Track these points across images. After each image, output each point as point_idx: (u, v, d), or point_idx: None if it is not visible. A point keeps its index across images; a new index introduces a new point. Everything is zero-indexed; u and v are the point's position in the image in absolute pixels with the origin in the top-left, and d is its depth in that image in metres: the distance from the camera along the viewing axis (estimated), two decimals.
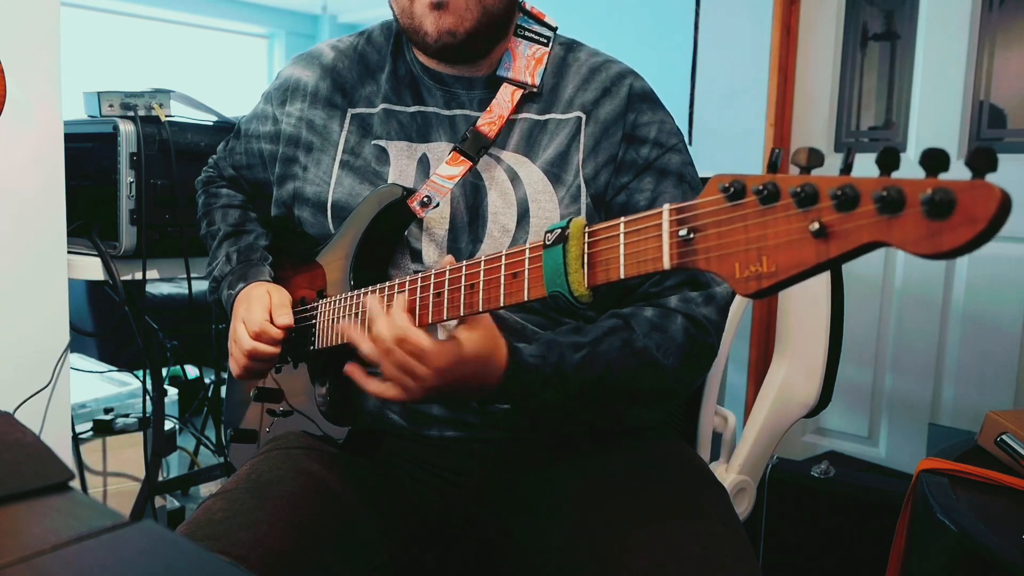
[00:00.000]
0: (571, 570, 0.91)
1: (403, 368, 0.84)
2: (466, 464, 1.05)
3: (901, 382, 2.66)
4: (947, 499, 1.28)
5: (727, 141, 2.84)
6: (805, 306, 1.41)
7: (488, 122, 1.02)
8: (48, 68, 1.48)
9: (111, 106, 1.66)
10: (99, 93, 1.66)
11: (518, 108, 1.04)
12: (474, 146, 1.02)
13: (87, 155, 1.70)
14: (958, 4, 2.47)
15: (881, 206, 0.50)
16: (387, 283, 0.93)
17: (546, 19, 1.10)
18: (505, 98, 1.04)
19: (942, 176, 0.50)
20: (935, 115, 2.54)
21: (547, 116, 1.05)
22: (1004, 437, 1.42)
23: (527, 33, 1.07)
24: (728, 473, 1.43)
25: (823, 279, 1.39)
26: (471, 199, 1.03)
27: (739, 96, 2.83)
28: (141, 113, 1.66)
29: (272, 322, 1.06)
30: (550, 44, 1.08)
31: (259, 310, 1.07)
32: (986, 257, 2.46)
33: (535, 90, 1.05)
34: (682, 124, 2.95)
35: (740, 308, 1.44)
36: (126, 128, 1.63)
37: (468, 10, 0.98)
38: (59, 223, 1.53)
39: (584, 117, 1.04)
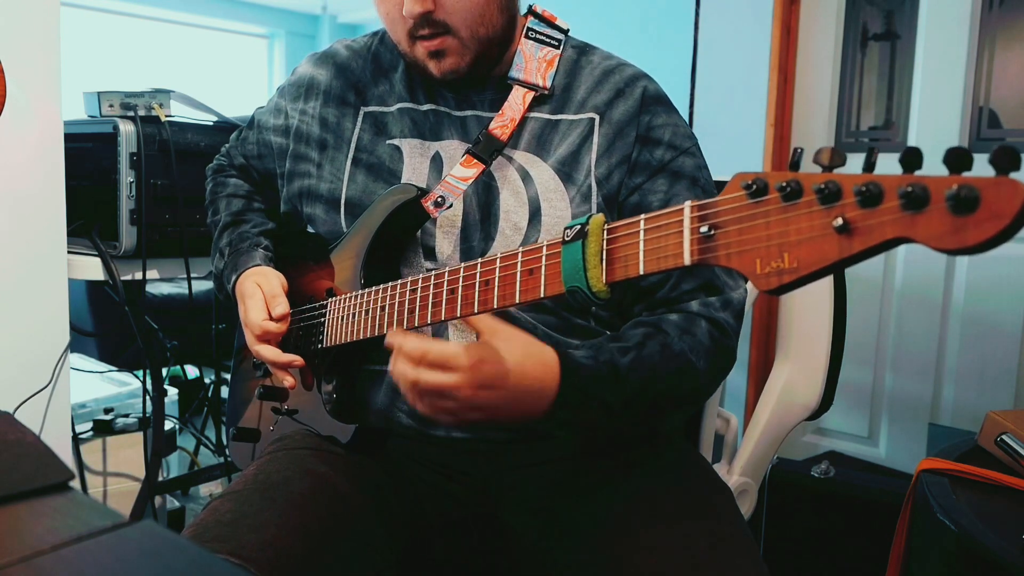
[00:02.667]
0: (580, 570, 0.92)
1: (433, 392, 0.80)
2: (473, 464, 1.05)
3: (901, 382, 2.66)
4: (947, 499, 1.28)
5: (727, 141, 2.83)
6: (807, 309, 1.41)
7: (500, 125, 1.03)
8: (48, 68, 1.48)
9: (111, 106, 1.66)
10: (99, 93, 1.66)
11: (530, 108, 1.04)
12: (487, 149, 1.02)
13: (87, 155, 1.70)
14: (958, 4, 2.47)
15: (906, 202, 0.51)
16: (399, 281, 0.93)
17: (558, 22, 1.10)
18: (517, 100, 1.04)
19: (965, 175, 0.50)
20: (935, 115, 2.54)
21: (559, 116, 1.05)
22: (1004, 437, 1.42)
23: (538, 36, 1.08)
24: (730, 475, 1.44)
25: (826, 282, 1.39)
26: (483, 198, 1.03)
27: (739, 96, 2.82)
28: (141, 113, 1.66)
29: (271, 317, 1.08)
30: (561, 46, 1.08)
31: (255, 310, 1.08)
32: (986, 257, 2.46)
33: (546, 92, 1.05)
34: None
35: None
36: (126, 128, 1.63)
37: (466, 48, 1.01)
38: (59, 223, 1.53)
39: (598, 118, 1.04)
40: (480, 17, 1.00)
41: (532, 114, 1.05)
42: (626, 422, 0.95)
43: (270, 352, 1.07)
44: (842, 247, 0.54)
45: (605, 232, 0.71)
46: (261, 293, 1.09)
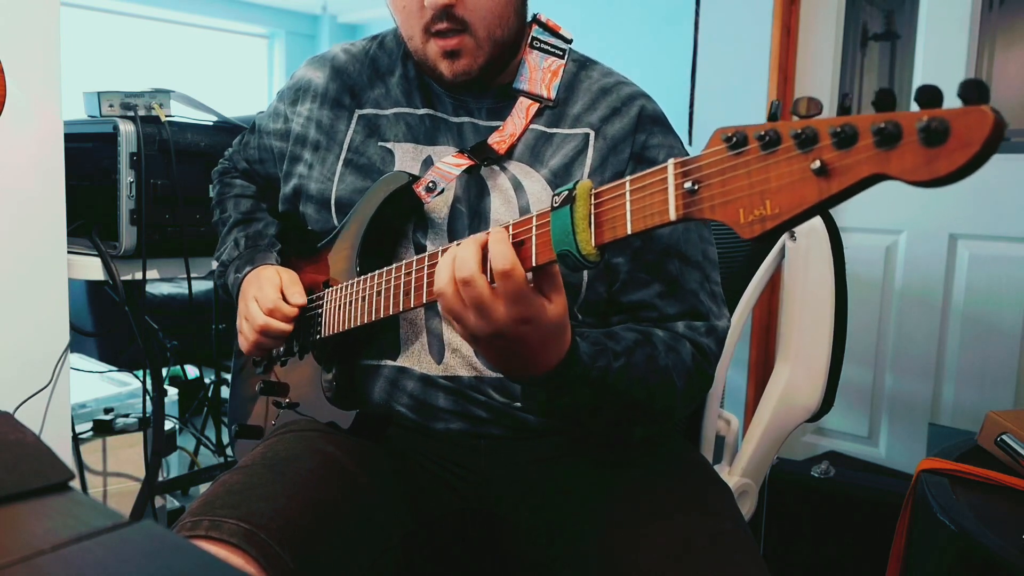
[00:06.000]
0: (580, 565, 0.92)
1: (478, 304, 0.76)
2: (473, 459, 1.05)
3: (901, 382, 2.66)
4: (947, 499, 1.28)
5: None
6: (808, 310, 1.41)
7: (499, 140, 1.03)
8: (48, 68, 1.48)
9: (111, 106, 1.66)
10: (99, 93, 1.66)
11: (530, 120, 1.05)
12: (480, 155, 1.03)
13: (87, 155, 1.70)
14: (958, 4, 2.47)
15: (879, 139, 0.52)
16: (394, 265, 0.94)
17: (561, 31, 1.10)
18: (520, 114, 1.04)
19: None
20: None
21: (554, 130, 1.05)
22: (1004, 437, 1.42)
23: (542, 45, 1.07)
24: (731, 476, 1.44)
25: (827, 283, 1.39)
26: (475, 202, 1.03)
27: (739, 96, 2.83)
28: (141, 113, 1.66)
29: (285, 300, 1.10)
30: (565, 57, 1.08)
31: (271, 289, 1.10)
32: (986, 257, 2.46)
33: (551, 103, 1.05)
34: (682, 124, 2.96)
35: (743, 310, 1.44)
36: (126, 128, 1.63)
37: (480, 49, 1.00)
38: (59, 223, 1.53)
39: (592, 134, 1.04)
40: (499, 18, 1.00)
41: (529, 125, 1.05)
42: (595, 421, 0.96)
43: (277, 324, 1.08)
44: (821, 189, 0.56)
45: (592, 196, 0.72)
46: (280, 280, 1.12)
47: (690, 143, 2.83)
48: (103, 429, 1.94)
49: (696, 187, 0.63)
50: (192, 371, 3.00)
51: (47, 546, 0.44)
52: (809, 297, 1.40)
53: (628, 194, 0.69)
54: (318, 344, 1.10)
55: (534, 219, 0.77)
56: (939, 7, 2.51)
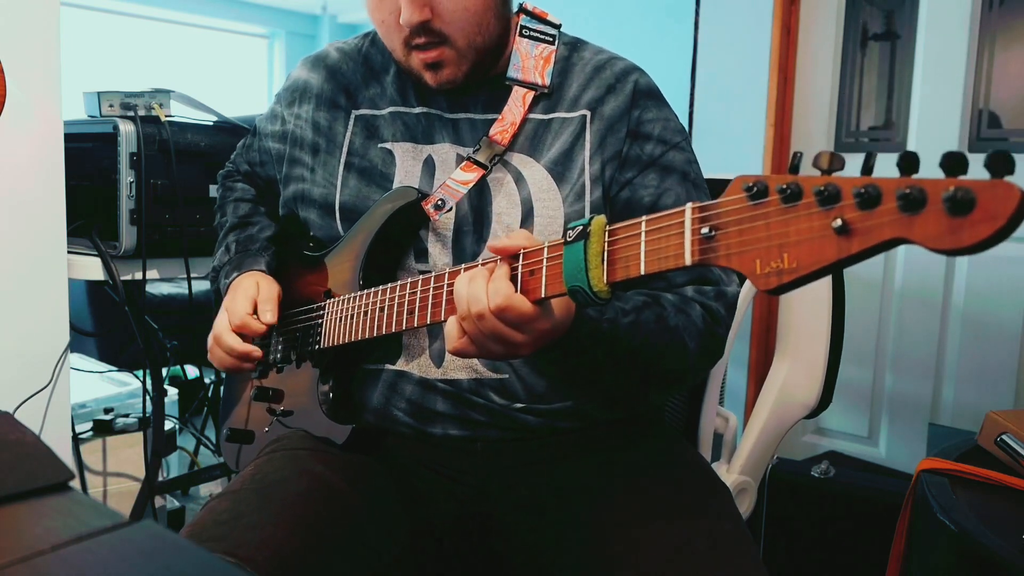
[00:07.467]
0: (580, 569, 0.92)
1: (496, 337, 0.79)
2: (471, 463, 1.05)
3: (901, 382, 2.66)
4: (947, 499, 1.28)
5: (727, 141, 2.83)
6: (806, 307, 1.41)
7: (500, 130, 1.03)
8: (48, 68, 1.48)
9: (111, 106, 1.66)
10: (99, 93, 1.66)
11: (528, 109, 1.04)
12: (487, 154, 1.02)
13: (87, 155, 1.70)
14: (958, 4, 2.47)
15: (903, 204, 0.52)
16: (398, 282, 0.93)
17: (549, 17, 1.10)
18: (517, 103, 1.04)
19: (961, 178, 0.51)
20: (935, 115, 2.54)
21: (552, 115, 1.05)
22: (1004, 437, 1.42)
23: (532, 32, 1.07)
24: (729, 474, 1.44)
25: (825, 280, 1.39)
26: (476, 201, 1.03)
27: (739, 96, 2.82)
28: (141, 113, 1.66)
29: (256, 317, 1.07)
30: (556, 42, 1.08)
31: (244, 302, 1.07)
32: (986, 257, 2.46)
33: (545, 90, 1.05)
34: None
35: (741, 308, 1.44)
36: (126, 128, 1.62)
37: (462, 58, 1.00)
38: (59, 223, 1.53)
39: (589, 115, 1.04)
40: (477, 26, 0.99)
41: (527, 114, 1.05)
42: (610, 381, 0.96)
43: (232, 339, 1.06)
44: (840, 247, 0.55)
45: (607, 233, 0.72)
46: (256, 293, 1.09)
47: None
48: (103, 429, 1.94)
49: (713, 233, 0.62)
50: (192, 371, 3.00)
51: (47, 546, 0.44)
52: (807, 293, 1.40)
53: (643, 234, 0.68)
54: (316, 354, 1.09)
55: (546, 250, 0.76)
56: (939, 7, 2.51)
